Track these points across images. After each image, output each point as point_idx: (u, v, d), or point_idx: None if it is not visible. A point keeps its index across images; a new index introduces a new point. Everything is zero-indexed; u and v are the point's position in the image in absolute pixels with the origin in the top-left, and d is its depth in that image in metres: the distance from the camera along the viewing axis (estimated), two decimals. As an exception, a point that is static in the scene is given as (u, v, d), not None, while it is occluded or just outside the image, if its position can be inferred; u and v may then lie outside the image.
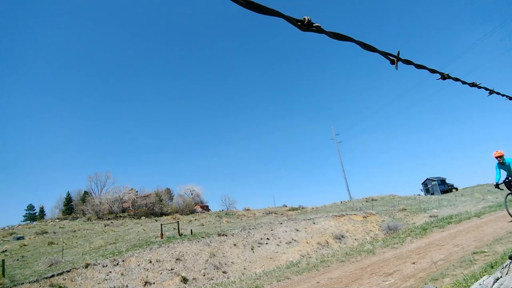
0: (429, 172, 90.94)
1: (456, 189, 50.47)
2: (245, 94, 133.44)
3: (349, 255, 8.02)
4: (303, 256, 16.24)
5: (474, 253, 5.62)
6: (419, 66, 1.34)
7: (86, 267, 13.79)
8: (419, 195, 48.21)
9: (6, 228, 31.46)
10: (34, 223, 37.84)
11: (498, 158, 7.43)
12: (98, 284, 12.98)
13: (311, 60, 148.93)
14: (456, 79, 1.55)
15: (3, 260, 13.61)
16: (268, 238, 19.67)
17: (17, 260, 16.68)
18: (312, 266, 7.41)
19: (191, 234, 19.63)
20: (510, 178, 7.47)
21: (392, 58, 1.18)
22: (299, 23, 0.81)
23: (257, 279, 7.21)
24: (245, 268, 15.88)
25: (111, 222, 32.44)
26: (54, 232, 26.47)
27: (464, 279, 3.71)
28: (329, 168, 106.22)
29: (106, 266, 14.17)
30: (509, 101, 2.15)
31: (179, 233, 19.84)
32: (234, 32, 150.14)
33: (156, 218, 36.20)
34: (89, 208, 37.68)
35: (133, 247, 16.96)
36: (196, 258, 16.07)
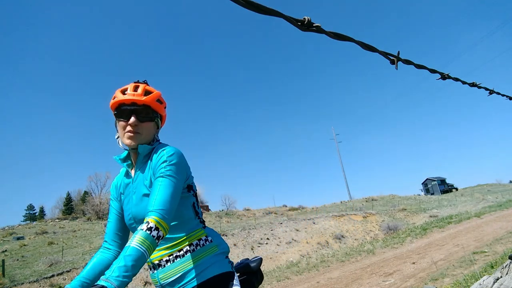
0: (429, 172, 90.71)
1: (456, 189, 50.54)
2: (245, 93, 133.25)
3: (349, 255, 8.02)
4: (303, 256, 16.24)
5: (474, 253, 5.63)
6: (419, 66, 1.34)
7: (86, 267, 13.79)
8: (419, 195, 48.27)
9: (6, 228, 31.42)
10: (34, 223, 37.79)
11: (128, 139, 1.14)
12: (98, 284, 12.98)
13: (311, 60, 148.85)
14: (456, 79, 1.55)
15: (3, 260, 13.61)
16: (268, 238, 19.68)
17: (17, 260, 16.68)
18: (312, 266, 7.41)
19: (191, 234, 19.61)
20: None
21: (392, 58, 1.18)
22: (299, 23, 0.81)
23: (257, 279, 7.21)
24: (245, 268, 15.88)
25: (111, 222, 32.43)
26: (54, 232, 26.48)
27: (464, 279, 3.71)
28: (329, 168, 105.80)
29: (106, 266, 14.18)
30: (509, 101, 2.15)
31: (179, 233, 19.82)
32: (234, 32, 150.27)
33: (156, 218, 36.18)
34: (89, 208, 37.69)
35: (133, 247, 16.94)
36: (196, 258, 16.06)
